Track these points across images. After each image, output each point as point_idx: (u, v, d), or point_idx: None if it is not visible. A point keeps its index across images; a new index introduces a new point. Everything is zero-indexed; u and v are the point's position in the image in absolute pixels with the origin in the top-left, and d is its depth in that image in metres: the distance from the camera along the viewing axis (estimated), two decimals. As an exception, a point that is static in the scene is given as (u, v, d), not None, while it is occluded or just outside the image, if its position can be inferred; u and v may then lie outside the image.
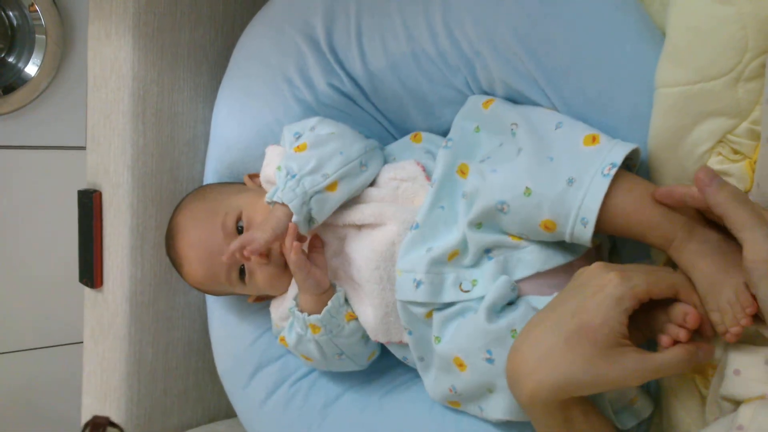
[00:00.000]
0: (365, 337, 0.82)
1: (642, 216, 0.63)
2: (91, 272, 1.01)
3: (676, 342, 0.58)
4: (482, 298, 0.71)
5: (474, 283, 0.72)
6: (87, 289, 1.05)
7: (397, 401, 0.85)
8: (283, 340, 0.85)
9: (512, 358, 0.59)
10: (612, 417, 0.68)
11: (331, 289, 0.80)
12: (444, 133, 0.84)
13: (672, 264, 0.63)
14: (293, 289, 0.84)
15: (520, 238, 0.70)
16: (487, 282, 0.71)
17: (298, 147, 0.80)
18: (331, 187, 0.78)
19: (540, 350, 0.57)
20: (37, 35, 1.34)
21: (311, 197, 0.76)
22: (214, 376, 1.01)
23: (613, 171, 0.63)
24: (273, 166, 0.84)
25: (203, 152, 1.00)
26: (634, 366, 0.56)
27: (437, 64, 0.79)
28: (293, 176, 0.77)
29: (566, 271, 0.70)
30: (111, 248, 0.99)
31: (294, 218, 0.76)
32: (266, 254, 0.80)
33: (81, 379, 1.08)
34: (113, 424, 0.78)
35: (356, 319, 0.81)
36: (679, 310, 0.59)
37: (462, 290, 0.73)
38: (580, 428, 0.59)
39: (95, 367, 1.04)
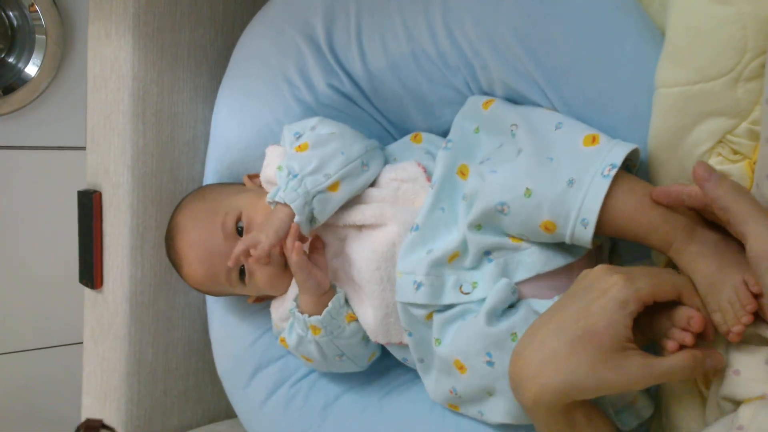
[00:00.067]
0: (366, 338, 0.82)
1: (642, 218, 0.63)
2: (91, 273, 1.01)
3: (682, 347, 0.57)
4: (482, 300, 0.71)
5: (474, 285, 0.72)
6: (87, 290, 1.05)
7: (397, 402, 0.85)
8: (283, 340, 0.85)
9: (515, 361, 0.59)
10: (613, 418, 0.68)
11: (332, 291, 0.80)
12: (444, 134, 0.84)
13: (672, 265, 0.63)
14: (293, 289, 0.84)
15: (521, 239, 0.70)
16: (487, 284, 0.71)
17: (299, 147, 0.80)
18: (333, 187, 0.78)
19: (543, 354, 0.57)
20: (37, 35, 1.34)
21: (313, 197, 0.76)
22: (214, 376, 1.01)
23: (613, 172, 0.63)
24: (273, 166, 0.84)
25: (203, 152, 1.00)
26: (638, 371, 0.55)
27: (437, 65, 0.79)
28: (295, 176, 0.77)
29: (566, 272, 0.70)
30: (111, 248, 0.99)
31: (296, 219, 0.76)
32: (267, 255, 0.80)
33: (81, 380, 1.08)
34: (106, 427, 0.78)
35: (357, 320, 0.81)
36: (682, 314, 0.58)
37: (462, 292, 0.73)
38: (583, 431, 0.59)
39: (95, 367, 1.04)
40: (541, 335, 0.58)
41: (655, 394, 0.71)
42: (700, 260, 0.60)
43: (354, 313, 0.81)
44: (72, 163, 1.39)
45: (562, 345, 0.56)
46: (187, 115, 0.99)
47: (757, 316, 0.56)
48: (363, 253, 0.78)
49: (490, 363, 0.69)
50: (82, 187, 1.04)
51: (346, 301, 0.81)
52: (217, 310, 0.97)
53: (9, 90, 1.34)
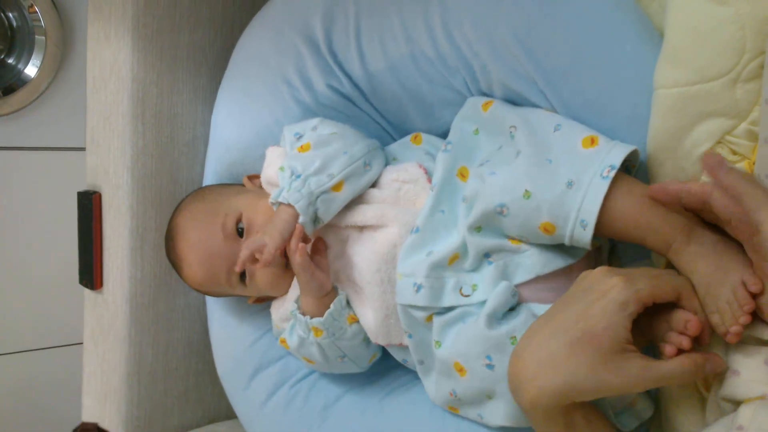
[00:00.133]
0: (367, 340, 0.82)
1: (641, 219, 0.63)
2: (90, 274, 1.01)
3: (680, 351, 0.57)
4: (482, 303, 0.71)
5: (474, 287, 0.72)
6: (87, 291, 1.05)
7: (398, 403, 0.86)
8: (283, 341, 0.85)
9: (514, 362, 0.59)
10: (613, 419, 0.68)
11: (333, 292, 0.80)
12: (443, 134, 0.84)
13: (672, 267, 0.63)
14: (294, 290, 0.84)
15: (520, 241, 0.70)
16: (487, 287, 0.71)
17: (301, 147, 0.80)
18: (337, 187, 0.78)
19: (542, 355, 0.57)
20: (36, 36, 1.34)
21: (317, 197, 0.76)
22: (214, 377, 1.01)
23: (612, 173, 0.63)
24: (274, 167, 0.84)
25: (203, 153, 1.00)
26: (637, 373, 0.55)
27: (436, 66, 0.79)
28: (298, 176, 0.77)
29: (566, 274, 0.70)
30: (111, 249, 0.99)
31: (300, 219, 0.76)
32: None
33: (81, 381, 1.08)
34: (102, 430, 0.78)
35: (358, 321, 0.81)
36: (679, 318, 0.58)
37: (462, 295, 0.73)
38: None
39: (95, 368, 1.04)
40: (540, 337, 0.58)
41: (655, 395, 0.71)
42: (699, 261, 0.60)
43: (355, 315, 0.81)
44: (72, 164, 1.39)
45: (561, 347, 0.56)
46: (187, 117, 0.99)
47: (756, 317, 0.56)
48: (364, 254, 0.78)
49: (490, 366, 0.70)
50: (82, 188, 1.04)
51: (348, 302, 0.81)
52: (217, 311, 0.97)
53: (9, 91, 1.34)
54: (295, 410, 0.89)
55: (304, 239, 0.77)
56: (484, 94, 0.79)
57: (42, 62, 1.35)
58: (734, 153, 0.61)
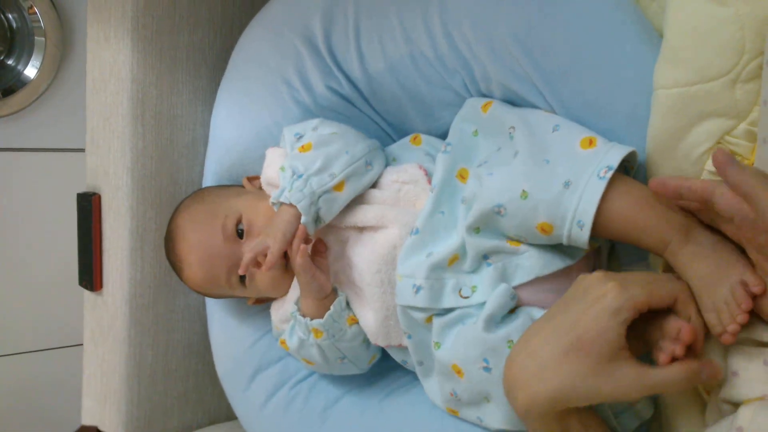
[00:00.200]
0: (366, 341, 0.82)
1: (638, 218, 0.62)
2: (90, 275, 1.01)
3: (675, 358, 0.56)
4: (482, 304, 0.71)
5: (473, 289, 0.72)
6: (86, 292, 1.05)
7: (397, 404, 0.85)
8: (283, 342, 0.85)
9: (509, 367, 0.59)
10: (612, 420, 0.68)
11: (333, 294, 0.80)
12: (443, 135, 0.84)
13: (670, 269, 0.63)
14: (293, 291, 0.84)
15: (519, 242, 0.70)
16: (486, 288, 0.71)
17: (302, 147, 0.80)
18: (339, 186, 0.77)
19: (536, 361, 0.56)
20: (36, 37, 1.34)
21: (319, 197, 0.76)
22: (214, 378, 1.01)
23: (609, 174, 0.63)
24: (274, 167, 0.84)
25: (202, 155, 1.00)
26: (631, 381, 0.54)
27: (435, 67, 0.79)
28: (300, 176, 0.77)
29: (565, 275, 0.70)
30: (110, 251, 0.99)
31: (303, 219, 0.75)
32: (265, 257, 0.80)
33: (81, 382, 1.08)
34: (101, 435, 0.78)
35: (358, 323, 0.81)
36: (673, 325, 0.57)
37: (461, 296, 0.73)
38: None
39: (95, 369, 1.04)
40: (535, 342, 0.58)
41: (655, 396, 0.71)
42: (697, 260, 0.59)
43: (355, 316, 0.81)
44: (71, 165, 1.39)
45: (555, 353, 0.55)
46: (186, 118, 0.99)
47: (755, 319, 0.56)
48: (364, 255, 0.78)
49: (486, 369, 0.69)
50: (82, 189, 1.04)
51: (347, 304, 0.81)
52: (216, 312, 0.97)
53: (8, 92, 1.34)
54: (295, 411, 0.89)
55: (305, 240, 0.77)
56: (483, 95, 0.79)
57: (41, 63, 1.35)
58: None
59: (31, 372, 1.48)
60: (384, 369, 0.89)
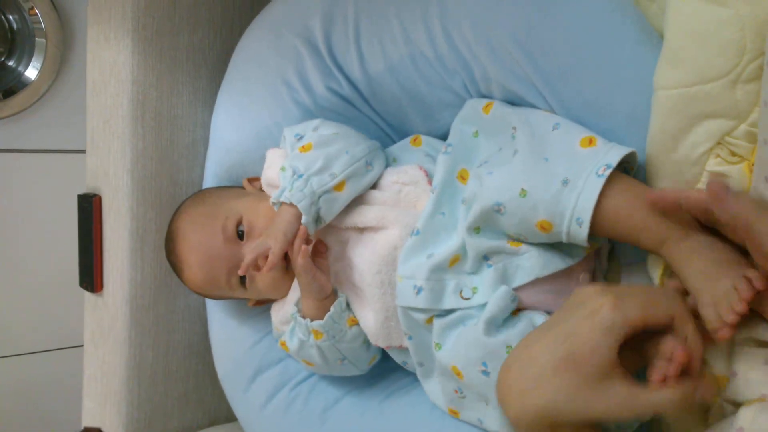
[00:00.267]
0: (367, 342, 0.82)
1: (636, 216, 0.62)
2: (91, 276, 1.01)
3: (667, 378, 0.54)
4: (483, 306, 0.71)
5: (474, 290, 0.72)
6: (87, 293, 1.05)
7: (397, 405, 0.85)
8: (283, 344, 0.85)
9: (502, 375, 0.58)
10: (611, 425, 0.68)
11: (333, 295, 0.80)
12: (443, 136, 0.84)
13: (671, 272, 0.62)
14: (293, 292, 0.84)
15: (519, 243, 0.70)
16: (487, 290, 0.71)
17: (302, 147, 0.80)
18: (339, 186, 0.77)
19: (529, 373, 0.55)
20: (37, 39, 1.34)
21: (319, 197, 0.76)
22: (214, 379, 1.01)
23: (608, 172, 0.62)
24: (274, 168, 0.84)
25: (203, 156, 1.00)
26: (621, 400, 0.53)
27: (435, 68, 0.79)
28: (300, 176, 0.77)
29: (566, 276, 0.70)
30: (111, 252, 0.99)
31: (303, 219, 0.75)
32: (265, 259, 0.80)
33: (81, 383, 1.08)
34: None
35: (358, 324, 0.81)
36: (667, 345, 0.56)
37: (462, 297, 0.72)
38: None
39: (95, 370, 1.04)
40: (529, 352, 0.57)
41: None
42: (695, 255, 0.59)
43: (355, 317, 0.81)
44: (72, 166, 1.39)
45: (548, 366, 0.54)
46: (187, 119, 0.99)
47: (755, 319, 0.56)
48: (364, 256, 0.78)
49: (485, 372, 0.69)
50: (82, 190, 1.04)
51: (348, 305, 0.81)
52: (216, 313, 0.97)
53: (9, 93, 1.34)
54: (294, 413, 0.89)
55: (306, 241, 0.77)
56: (483, 96, 0.79)
57: (42, 65, 1.35)
58: (733, 154, 0.61)
59: (31, 373, 1.48)
60: (384, 370, 0.89)
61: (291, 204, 0.76)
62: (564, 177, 0.64)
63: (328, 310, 0.79)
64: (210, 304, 0.99)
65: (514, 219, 0.67)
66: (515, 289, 0.71)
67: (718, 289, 0.56)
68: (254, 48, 0.92)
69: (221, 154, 0.94)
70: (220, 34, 1.02)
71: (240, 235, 0.83)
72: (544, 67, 0.71)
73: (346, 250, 0.80)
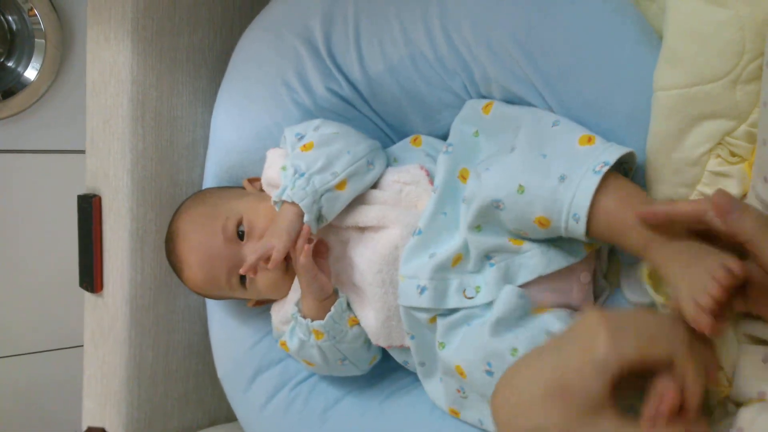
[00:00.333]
0: (367, 342, 0.82)
1: (624, 216, 0.61)
2: (91, 276, 1.01)
3: (657, 419, 0.52)
4: (487, 304, 0.71)
5: (477, 289, 0.72)
6: (87, 293, 1.05)
7: (398, 405, 0.85)
8: (284, 344, 0.85)
9: (495, 395, 0.57)
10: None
11: (334, 295, 0.80)
12: (443, 136, 0.84)
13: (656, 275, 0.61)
14: (293, 293, 0.84)
15: (521, 241, 0.70)
16: (490, 288, 0.71)
17: (304, 146, 0.80)
18: (341, 185, 0.77)
19: (519, 398, 0.54)
20: (36, 39, 1.34)
21: (321, 195, 0.76)
22: (214, 379, 1.01)
23: (605, 169, 0.62)
24: (275, 168, 0.84)
25: (202, 156, 1.00)
26: None
27: (435, 68, 0.79)
28: (302, 175, 0.77)
29: (567, 274, 0.71)
30: (111, 252, 0.99)
31: (305, 218, 0.75)
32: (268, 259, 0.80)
33: (81, 383, 1.08)
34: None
35: (359, 324, 0.81)
36: (661, 386, 0.53)
37: (466, 297, 0.72)
38: None
39: (95, 370, 1.04)
40: (523, 375, 0.56)
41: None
42: (677, 255, 0.58)
43: (356, 317, 0.81)
44: (72, 166, 1.39)
45: (538, 392, 0.53)
46: (186, 119, 0.99)
47: (748, 316, 0.55)
48: (365, 255, 0.78)
49: (489, 373, 0.69)
50: (82, 190, 1.04)
51: (348, 305, 0.81)
52: (217, 313, 0.97)
53: (8, 94, 1.34)
54: (295, 413, 0.89)
55: (308, 240, 0.77)
56: (483, 97, 0.79)
57: (42, 65, 1.35)
58: (733, 155, 0.61)
59: (31, 373, 1.48)
60: (384, 370, 0.89)
61: (293, 203, 0.76)
62: (561, 173, 0.64)
63: (329, 311, 0.79)
64: (210, 304, 0.99)
65: (513, 215, 0.67)
66: (518, 287, 0.71)
67: (696, 278, 0.54)
68: (254, 48, 0.92)
69: (221, 154, 0.94)
70: (220, 34, 1.02)
71: (240, 236, 0.83)
72: (544, 67, 0.71)
73: (346, 249, 0.80)
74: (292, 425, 0.89)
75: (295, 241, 0.76)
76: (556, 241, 0.70)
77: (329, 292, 0.79)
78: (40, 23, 1.33)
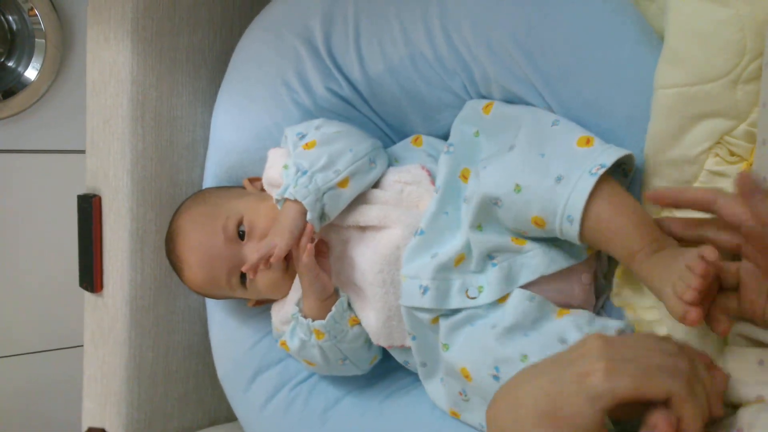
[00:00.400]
0: (368, 342, 0.82)
1: (614, 222, 0.61)
2: (91, 276, 1.01)
3: None
4: (489, 305, 0.71)
5: (480, 289, 0.72)
6: (87, 293, 1.05)
7: (398, 405, 0.85)
8: (284, 344, 0.85)
9: (491, 407, 0.56)
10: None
11: (335, 295, 0.80)
12: (443, 136, 0.84)
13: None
14: (293, 292, 0.84)
15: (523, 240, 0.70)
16: (493, 288, 0.71)
17: (306, 145, 0.80)
18: (343, 183, 0.77)
19: (512, 416, 0.53)
20: (36, 39, 1.34)
21: (324, 193, 0.76)
22: (214, 379, 1.01)
23: (601, 171, 0.62)
24: (276, 167, 0.84)
25: (202, 156, 1.00)
26: None
27: (435, 68, 0.79)
28: (305, 173, 0.77)
29: (568, 275, 0.71)
30: (111, 252, 0.99)
31: (308, 216, 0.75)
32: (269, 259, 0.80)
33: (81, 383, 1.08)
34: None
35: (359, 324, 0.81)
36: (654, 418, 0.51)
37: (468, 297, 0.72)
38: None
39: (95, 370, 1.04)
40: (517, 393, 0.55)
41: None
42: (660, 260, 0.58)
43: (357, 317, 0.81)
44: (72, 166, 1.39)
45: (529, 414, 0.52)
46: (186, 119, 0.99)
47: (746, 320, 0.55)
48: (366, 255, 0.78)
49: (496, 377, 0.69)
50: (82, 190, 1.04)
51: (349, 304, 0.81)
52: (216, 314, 0.97)
53: (9, 94, 1.34)
54: (295, 413, 0.89)
55: (310, 239, 0.77)
56: (483, 97, 0.79)
57: (42, 65, 1.35)
58: (732, 154, 0.61)
59: (31, 374, 1.48)
60: (385, 370, 0.89)
61: (295, 201, 0.76)
62: (558, 174, 0.64)
63: (330, 310, 0.79)
64: (210, 304, 0.99)
65: (510, 213, 0.67)
66: (520, 288, 0.70)
67: (676, 275, 0.54)
68: (254, 48, 0.92)
69: (221, 154, 0.94)
70: (219, 34, 1.02)
71: (241, 235, 0.83)
72: (544, 67, 0.71)
73: (347, 249, 0.80)
74: (292, 425, 0.89)
75: (297, 240, 0.76)
76: (558, 242, 0.70)
77: (330, 291, 0.79)
78: (40, 23, 1.33)
